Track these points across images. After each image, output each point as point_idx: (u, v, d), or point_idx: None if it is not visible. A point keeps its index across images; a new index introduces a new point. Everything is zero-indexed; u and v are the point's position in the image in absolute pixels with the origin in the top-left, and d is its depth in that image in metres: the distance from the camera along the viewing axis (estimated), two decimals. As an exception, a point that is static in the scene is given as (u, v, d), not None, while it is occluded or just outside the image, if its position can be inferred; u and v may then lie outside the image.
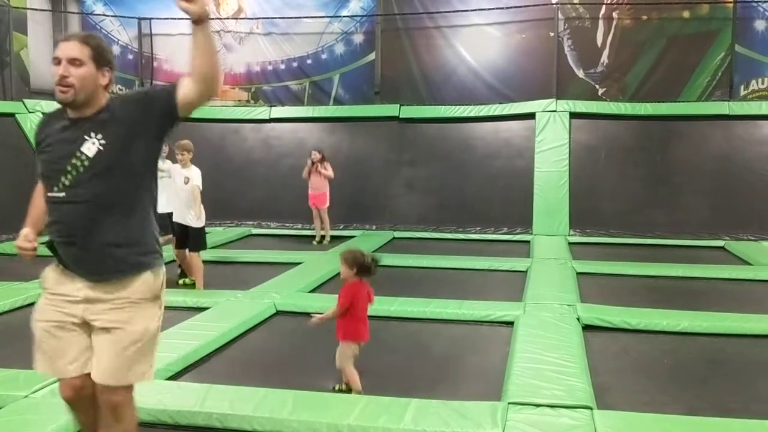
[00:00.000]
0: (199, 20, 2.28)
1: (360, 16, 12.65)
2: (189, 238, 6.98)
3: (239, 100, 13.18)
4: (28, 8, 12.77)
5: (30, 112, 11.39)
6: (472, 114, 11.59)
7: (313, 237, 10.15)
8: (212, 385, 3.95)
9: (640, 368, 4.68)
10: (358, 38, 12.72)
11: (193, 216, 6.91)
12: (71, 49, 2.39)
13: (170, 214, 7.22)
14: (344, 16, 12.72)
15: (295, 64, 12.95)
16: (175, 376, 4.37)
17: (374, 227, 10.84)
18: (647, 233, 10.07)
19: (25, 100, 11.69)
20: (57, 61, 2.39)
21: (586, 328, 5.32)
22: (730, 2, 11.35)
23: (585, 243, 9.85)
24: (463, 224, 10.72)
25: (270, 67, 13.07)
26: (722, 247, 9.44)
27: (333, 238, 10.04)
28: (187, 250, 7.03)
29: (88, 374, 2.52)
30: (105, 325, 2.47)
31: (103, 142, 2.39)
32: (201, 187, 6.88)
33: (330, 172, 9.96)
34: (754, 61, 11.30)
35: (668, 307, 5.88)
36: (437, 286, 7.09)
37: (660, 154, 10.92)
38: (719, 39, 11.38)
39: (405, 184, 11.41)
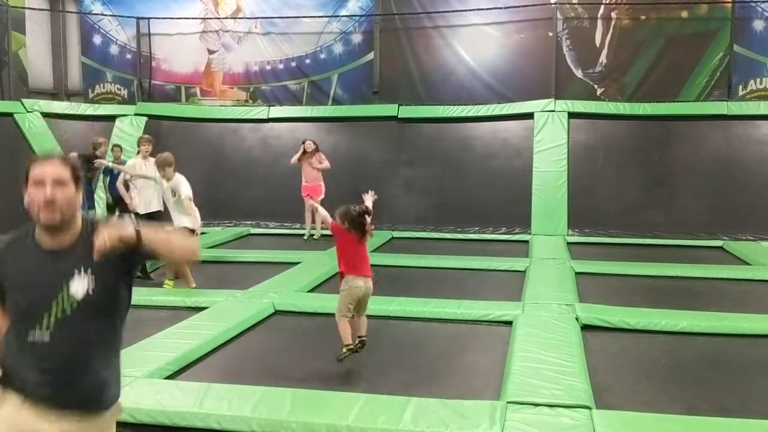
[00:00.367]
0: (138, 238, 2.12)
1: (359, 16, 12.65)
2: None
3: (238, 100, 13.18)
4: (27, 8, 12.77)
5: (28, 112, 11.39)
6: (470, 114, 11.60)
7: (303, 233, 10.06)
8: (211, 384, 3.95)
9: (638, 368, 4.68)
10: (357, 38, 12.71)
11: (188, 221, 6.91)
12: (56, 169, 2.18)
13: (152, 214, 7.29)
14: (343, 16, 12.71)
15: (293, 64, 12.94)
16: (173, 376, 4.37)
17: (373, 227, 10.81)
18: (646, 233, 10.06)
19: (23, 100, 11.69)
20: (39, 183, 2.16)
21: (585, 327, 5.32)
22: (729, 2, 11.36)
23: (583, 243, 9.84)
24: (461, 224, 10.71)
25: (269, 67, 13.06)
26: (721, 247, 9.44)
27: (330, 237, 9.93)
28: None
29: None
30: None
31: (92, 282, 2.20)
32: (191, 196, 6.87)
33: (326, 164, 9.91)
34: (752, 61, 11.31)
35: (667, 306, 5.88)
36: (436, 285, 7.08)
37: (658, 154, 10.92)
38: (718, 39, 11.39)
39: (404, 184, 11.40)
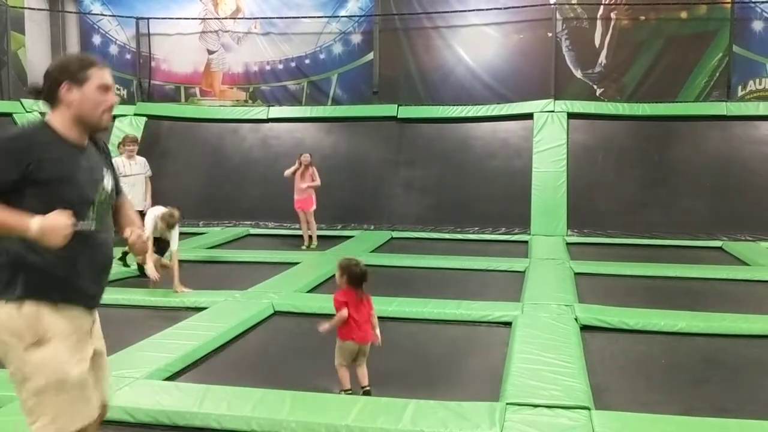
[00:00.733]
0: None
1: (358, 16, 12.66)
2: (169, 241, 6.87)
3: (237, 100, 13.18)
4: (26, 8, 12.76)
5: (27, 112, 11.38)
6: (470, 114, 11.60)
7: (302, 241, 9.91)
8: (210, 385, 3.95)
9: (637, 368, 4.69)
10: (356, 38, 12.72)
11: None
12: (112, 77, 2.42)
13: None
14: (342, 16, 12.72)
15: (293, 64, 12.95)
16: (173, 377, 4.36)
17: (372, 227, 10.83)
18: (645, 233, 10.06)
19: (23, 100, 11.69)
20: (107, 89, 2.36)
21: (584, 328, 5.32)
22: (728, 3, 11.37)
23: (583, 243, 9.85)
24: (461, 224, 10.71)
25: (268, 67, 13.07)
26: (720, 248, 9.44)
27: (330, 237, 9.97)
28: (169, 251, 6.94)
29: None
30: (100, 348, 2.52)
31: (111, 176, 2.50)
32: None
33: (317, 182, 9.70)
34: (751, 62, 11.33)
35: (666, 307, 5.88)
36: (435, 286, 7.08)
37: (658, 155, 10.93)
38: (717, 39, 11.40)
39: (403, 184, 11.40)
